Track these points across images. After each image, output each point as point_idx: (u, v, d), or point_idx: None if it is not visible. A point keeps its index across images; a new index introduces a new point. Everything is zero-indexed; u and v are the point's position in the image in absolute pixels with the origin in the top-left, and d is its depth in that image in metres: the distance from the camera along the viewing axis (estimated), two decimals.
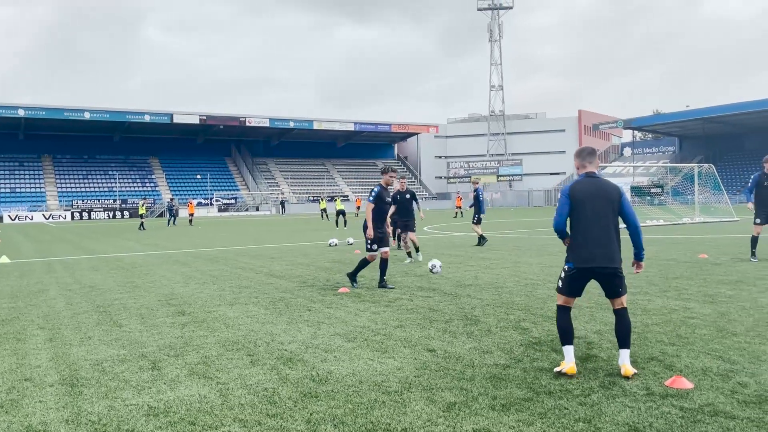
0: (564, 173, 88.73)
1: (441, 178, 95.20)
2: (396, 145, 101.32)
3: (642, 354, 5.27)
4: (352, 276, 9.78)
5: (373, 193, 9.58)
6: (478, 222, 17.08)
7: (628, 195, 5.13)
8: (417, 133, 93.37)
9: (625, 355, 4.72)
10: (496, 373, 4.82)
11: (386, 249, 9.65)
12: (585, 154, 5.08)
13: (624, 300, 4.91)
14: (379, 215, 9.60)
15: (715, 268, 10.96)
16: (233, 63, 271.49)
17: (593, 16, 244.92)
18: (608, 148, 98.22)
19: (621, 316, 4.85)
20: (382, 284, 9.53)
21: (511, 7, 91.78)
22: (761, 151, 73.07)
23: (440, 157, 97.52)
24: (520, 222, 33.39)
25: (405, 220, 13.32)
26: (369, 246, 9.51)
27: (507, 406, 4.08)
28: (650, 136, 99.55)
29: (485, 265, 12.24)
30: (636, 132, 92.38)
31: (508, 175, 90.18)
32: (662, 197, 50.21)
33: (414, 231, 13.49)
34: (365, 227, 9.45)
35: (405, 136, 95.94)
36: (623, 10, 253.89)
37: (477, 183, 17.53)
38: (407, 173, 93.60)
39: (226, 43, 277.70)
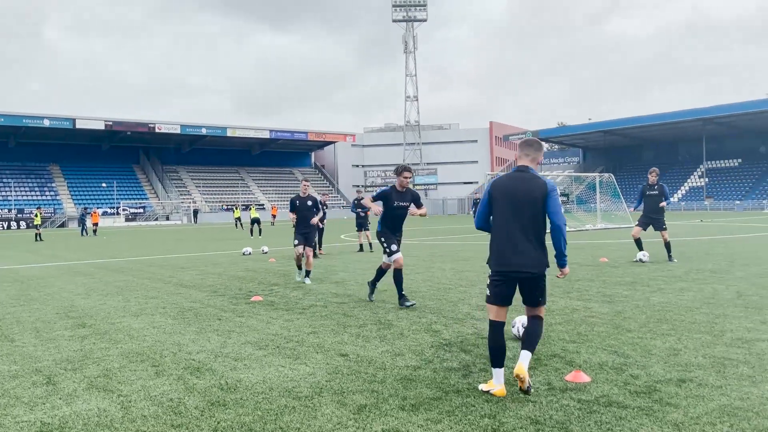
0: (476, 182, 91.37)
1: (358, 186, 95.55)
2: (313, 154, 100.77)
3: (545, 351, 5.50)
4: (372, 288, 8.79)
5: (376, 191, 8.48)
6: (366, 229, 18.89)
7: None
8: (334, 142, 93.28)
9: (526, 356, 4.31)
10: (407, 375, 4.88)
11: (398, 256, 8.30)
12: (524, 146, 4.60)
13: (542, 310, 4.52)
14: (388, 221, 8.39)
15: (614, 270, 11.63)
16: (143, 68, 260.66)
17: (506, 31, 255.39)
18: None
19: (534, 323, 4.50)
20: (402, 301, 8.21)
21: (425, 20, 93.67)
22: (656, 162, 78.53)
23: (357, 166, 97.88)
24: (435, 229, 34.06)
25: (305, 231, 11.20)
26: (387, 249, 8.31)
27: (416, 405, 4.14)
28: (556, 147, 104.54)
29: None
30: (543, 143, 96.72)
31: (424, 184, 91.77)
32: (568, 205, 52.60)
33: (312, 246, 11.36)
34: (379, 233, 8.39)
35: (322, 145, 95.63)
36: (534, 25, 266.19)
37: (360, 192, 19.91)
38: (324, 181, 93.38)
39: (136, 47, 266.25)
